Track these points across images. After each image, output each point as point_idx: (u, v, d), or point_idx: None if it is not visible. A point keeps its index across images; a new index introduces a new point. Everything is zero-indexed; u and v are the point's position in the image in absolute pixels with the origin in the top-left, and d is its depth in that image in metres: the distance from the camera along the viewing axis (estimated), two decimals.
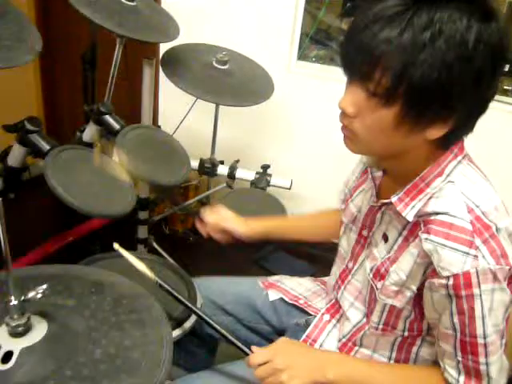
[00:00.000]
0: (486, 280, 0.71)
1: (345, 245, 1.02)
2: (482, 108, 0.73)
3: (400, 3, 0.66)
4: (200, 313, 0.94)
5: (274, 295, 1.14)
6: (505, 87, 2.06)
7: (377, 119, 0.72)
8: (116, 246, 0.83)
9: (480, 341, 0.74)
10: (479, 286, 0.71)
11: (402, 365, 0.92)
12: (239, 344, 0.89)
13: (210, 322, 0.93)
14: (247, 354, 0.88)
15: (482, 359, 0.75)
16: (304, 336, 1.02)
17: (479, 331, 0.74)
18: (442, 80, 0.65)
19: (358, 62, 0.70)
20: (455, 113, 0.70)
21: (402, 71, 0.66)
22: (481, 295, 0.72)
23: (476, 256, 0.71)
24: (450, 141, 0.77)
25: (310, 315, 1.08)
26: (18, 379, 0.56)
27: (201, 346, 1.20)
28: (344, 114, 0.76)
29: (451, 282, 0.72)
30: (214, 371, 1.01)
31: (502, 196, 0.79)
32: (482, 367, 0.76)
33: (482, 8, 0.67)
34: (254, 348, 0.88)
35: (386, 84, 0.68)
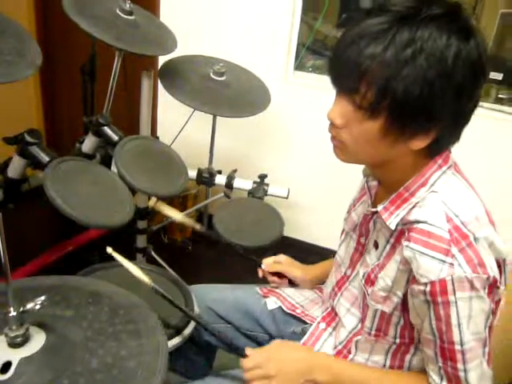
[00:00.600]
0: (462, 288, 0.73)
1: (342, 252, 1.04)
2: (464, 119, 0.76)
3: (384, 21, 0.69)
4: (192, 315, 0.97)
5: (272, 304, 1.16)
6: (499, 96, 2.08)
7: (363, 130, 0.75)
8: (109, 250, 0.83)
9: (457, 347, 0.76)
10: (454, 294, 0.73)
11: (393, 370, 0.93)
12: (232, 345, 0.94)
13: (205, 324, 0.96)
14: (241, 355, 0.91)
15: (460, 365, 0.77)
16: (300, 343, 1.03)
17: (456, 338, 0.76)
18: (424, 95, 0.68)
19: (345, 76, 0.73)
20: (438, 124, 0.73)
21: (386, 86, 0.69)
22: (456, 302, 0.74)
23: (452, 264, 0.73)
24: (435, 151, 0.79)
25: (307, 324, 1.09)
26: None
27: (199, 353, 1.22)
28: (332, 125, 0.79)
29: (428, 288, 0.74)
30: (211, 378, 1.02)
31: (500, 202, 0.81)
32: (461, 373, 0.78)
33: (462, 26, 0.70)
34: (247, 350, 0.91)
35: (371, 98, 0.71)
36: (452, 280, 0.72)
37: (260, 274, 1.21)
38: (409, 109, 0.70)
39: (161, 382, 0.62)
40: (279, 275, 1.21)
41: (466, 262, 0.73)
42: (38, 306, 0.63)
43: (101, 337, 0.67)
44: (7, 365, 0.59)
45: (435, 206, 0.77)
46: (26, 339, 0.62)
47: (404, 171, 0.81)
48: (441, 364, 0.79)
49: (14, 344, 0.61)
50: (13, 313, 0.60)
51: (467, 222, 0.75)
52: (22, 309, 0.61)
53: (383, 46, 0.68)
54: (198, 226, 0.95)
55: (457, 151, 0.85)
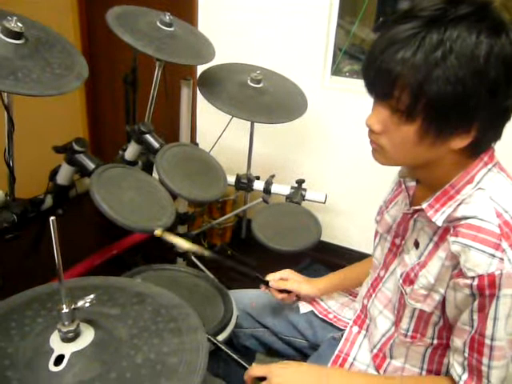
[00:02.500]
0: (509, 284, 0.73)
1: (378, 255, 1.04)
2: (503, 116, 0.76)
3: (413, 26, 0.70)
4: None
5: (304, 308, 1.17)
6: None
7: (401, 134, 0.76)
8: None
9: (487, 341, 0.76)
10: (501, 289, 0.73)
11: (408, 377, 0.94)
12: (236, 358, 0.95)
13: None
14: (246, 368, 0.93)
15: (485, 360, 0.77)
16: (337, 351, 1.04)
17: (488, 332, 0.75)
18: (458, 95, 0.69)
19: (378, 83, 0.75)
20: (476, 123, 0.73)
21: (419, 89, 0.70)
22: (500, 298, 0.73)
23: (502, 259, 0.72)
24: (477, 149, 0.79)
25: (342, 329, 1.10)
26: (69, 380, 0.61)
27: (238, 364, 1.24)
28: (371, 131, 0.80)
29: (476, 282, 0.74)
30: None
31: None
32: (484, 368, 0.77)
33: (492, 23, 0.69)
34: (254, 364, 0.93)
35: (406, 101, 0.72)
36: (501, 275, 0.72)
37: (262, 289, 1.18)
38: (444, 110, 0.70)
39: (201, 378, 0.65)
40: (287, 290, 1.18)
41: None
42: (87, 304, 0.67)
43: (144, 334, 0.71)
44: (60, 358, 0.64)
45: (483, 201, 0.77)
46: (76, 334, 0.66)
47: (448, 170, 0.81)
48: (466, 355, 0.79)
49: (66, 339, 0.65)
50: (65, 310, 0.64)
51: None
52: (73, 306, 0.65)
53: (413, 51, 0.69)
54: (206, 253, 0.96)
55: (498, 148, 0.84)
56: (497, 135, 0.79)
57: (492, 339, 0.76)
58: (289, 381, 0.87)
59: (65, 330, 0.65)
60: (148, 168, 1.73)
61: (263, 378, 0.89)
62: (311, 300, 1.19)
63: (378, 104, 0.78)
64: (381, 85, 0.74)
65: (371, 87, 0.78)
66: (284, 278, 1.17)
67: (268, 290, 1.17)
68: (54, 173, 1.47)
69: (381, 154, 0.82)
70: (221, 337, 1.05)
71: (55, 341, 0.66)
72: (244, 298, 1.21)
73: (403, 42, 0.70)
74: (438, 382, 0.87)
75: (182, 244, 0.86)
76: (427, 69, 0.68)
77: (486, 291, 0.74)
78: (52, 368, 0.63)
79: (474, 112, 0.71)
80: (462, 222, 0.77)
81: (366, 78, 0.78)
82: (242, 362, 0.95)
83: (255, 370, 0.92)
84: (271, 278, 1.16)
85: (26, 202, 1.38)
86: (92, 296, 0.68)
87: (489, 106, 0.71)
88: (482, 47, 0.68)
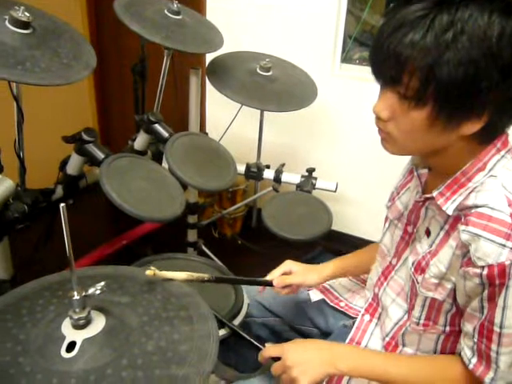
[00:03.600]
0: None
1: (387, 241, 1.03)
2: None
3: (422, 7, 0.68)
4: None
5: (315, 296, 1.17)
6: None
7: (410, 121, 0.75)
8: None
9: (496, 329, 0.75)
10: (510, 278, 0.72)
11: (420, 356, 0.93)
12: (250, 338, 0.96)
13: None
14: (259, 350, 0.93)
15: (493, 346, 0.76)
16: (348, 339, 1.03)
17: (497, 320, 0.75)
18: (469, 77, 0.67)
19: (387, 68, 0.73)
20: (487, 107, 0.71)
21: (429, 72, 0.68)
22: (510, 287, 0.72)
23: None
24: (488, 135, 0.77)
25: (354, 317, 1.09)
26: (81, 366, 0.62)
27: (250, 347, 1.24)
28: (379, 118, 0.79)
29: (485, 271, 0.73)
30: (262, 378, 1.03)
31: None
32: (493, 354, 0.77)
33: (503, 3, 0.67)
34: (267, 344, 0.94)
35: (415, 86, 0.70)
36: (511, 265, 0.71)
37: (260, 290, 1.16)
38: (455, 93, 0.68)
39: (212, 365, 0.65)
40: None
41: None
42: (98, 291, 0.67)
43: (155, 322, 0.71)
44: (72, 344, 0.64)
45: (495, 190, 0.76)
46: (88, 322, 0.66)
47: (459, 157, 0.80)
48: (476, 340, 0.79)
49: (77, 326, 0.65)
50: (76, 297, 0.65)
51: None
52: (84, 293, 0.66)
53: (422, 33, 0.67)
54: (206, 276, 0.96)
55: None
56: (509, 120, 0.77)
57: (501, 327, 0.75)
58: (303, 358, 0.87)
59: (76, 316, 0.65)
60: (157, 158, 1.73)
61: (278, 358, 0.89)
62: (322, 288, 1.18)
63: (385, 90, 0.76)
64: (389, 70, 0.72)
65: (379, 72, 0.76)
66: (286, 272, 1.13)
67: (263, 288, 1.15)
68: (64, 163, 1.47)
69: (390, 142, 0.81)
70: (226, 328, 1.05)
71: (67, 328, 0.66)
72: (254, 287, 1.20)
73: (412, 24, 0.68)
74: (450, 362, 0.86)
75: (178, 276, 0.85)
76: (438, 51, 0.66)
77: (495, 281, 0.73)
78: (64, 354, 0.63)
79: (486, 95, 0.69)
80: (473, 210, 0.76)
81: (374, 63, 0.76)
82: (256, 343, 0.96)
83: (270, 350, 0.92)
84: (272, 276, 1.13)
85: (36, 193, 1.39)
86: (102, 283, 0.68)
87: (501, 88, 0.69)
88: (494, 27, 0.66)
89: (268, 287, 1.15)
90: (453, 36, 0.66)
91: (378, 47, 0.73)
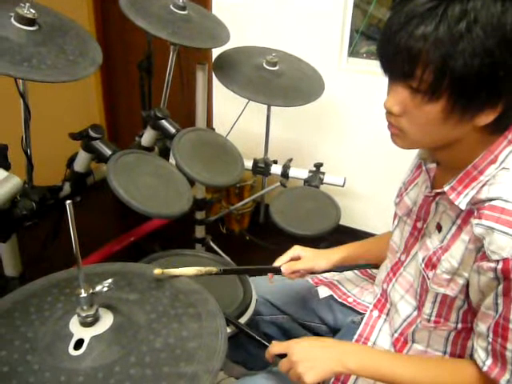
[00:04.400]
0: None
1: (397, 238, 1.02)
2: None
3: None
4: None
5: (323, 292, 1.16)
6: None
7: (423, 115, 0.73)
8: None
9: (511, 326, 0.73)
10: None
11: (429, 358, 0.91)
12: (256, 336, 0.96)
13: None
14: (266, 347, 0.92)
15: (509, 345, 0.74)
16: (356, 335, 1.02)
17: None
18: (485, 67, 0.65)
19: (398, 63, 0.71)
20: (503, 97, 0.69)
21: (443, 64, 0.66)
22: None
23: None
24: (501, 125, 0.75)
25: (363, 313, 1.08)
26: (89, 364, 0.62)
27: (258, 345, 1.24)
28: (390, 113, 0.77)
29: (500, 265, 0.71)
30: (268, 374, 1.02)
31: None
32: (508, 353, 0.75)
33: None
34: (273, 341, 0.92)
35: (429, 79, 0.68)
36: None
37: (270, 277, 1.16)
38: (471, 84, 0.67)
39: (220, 362, 0.64)
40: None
41: None
42: (105, 289, 0.67)
43: (163, 319, 0.70)
44: (80, 342, 0.64)
45: (508, 182, 0.74)
46: (95, 319, 0.66)
47: (470, 150, 0.78)
48: (490, 340, 0.77)
49: (85, 323, 0.65)
50: (83, 294, 0.64)
51: None
52: (91, 291, 0.65)
53: (434, 24, 0.65)
54: (214, 270, 0.95)
55: None
56: None
57: None
58: (309, 355, 0.86)
59: (84, 314, 0.65)
60: (165, 154, 1.72)
61: (284, 355, 0.89)
62: (330, 284, 1.17)
63: (395, 84, 0.75)
64: (400, 64, 0.71)
65: (389, 67, 0.74)
66: (295, 257, 1.13)
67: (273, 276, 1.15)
68: (72, 160, 1.47)
69: (401, 137, 0.79)
70: (241, 321, 1.04)
71: (75, 325, 0.66)
72: (262, 284, 1.20)
73: (423, 16, 0.66)
74: (460, 365, 0.85)
75: (187, 272, 0.85)
76: (451, 42, 0.65)
77: (510, 275, 0.71)
78: (72, 352, 0.63)
79: (503, 84, 0.68)
80: (486, 204, 0.74)
81: (383, 58, 0.74)
82: (263, 341, 0.95)
83: (275, 347, 0.91)
84: (281, 262, 1.12)
85: (44, 190, 1.39)
86: (110, 280, 0.68)
87: None
88: (508, 15, 0.64)
89: (283, 280, 1.14)
90: (466, 26, 0.64)
91: (387, 42, 0.71)
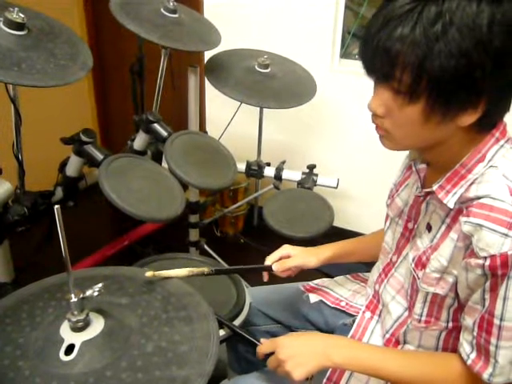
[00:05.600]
0: None
1: (389, 239, 1.02)
2: (511, 87, 0.72)
3: (409, 1, 0.67)
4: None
5: (314, 298, 1.16)
6: None
7: (405, 116, 0.74)
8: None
9: (496, 321, 0.74)
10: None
11: (418, 352, 0.92)
12: (247, 335, 0.96)
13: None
14: (256, 346, 0.93)
15: (493, 340, 0.75)
16: (348, 337, 1.02)
17: (497, 312, 0.73)
18: (462, 68, 0.65)
19: (378, 64, 0.71)
20: (483, 97, 0.70)
21: (420, 66, 0.67)
22: (511, 277, 0.71)
23: None
24: (486, 124, 0.76)
25: (354, 315, 1.08)
26: (80, 369, 0.62)
27: (252, 351, 1.23)
28: (375, 115, 0.78)
29: (488, 262, 0.72)
30: (260, 374, 1.03)
31: None
32: (492, 348, 0.75)
33: None
34: (262, 340, 0.93)
35: (408, 81, 0.69)
36: None
37: (265, 278, 1.15)
38: (449, 86, 0.67)
39: (213, 365, 0.64)
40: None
41: None
42: (96, 293, 0.67)
43: (155, 322, 0.70)
44: (71, 347, 0.64)
45: (496, 180, 0.75)
46: (86, 324, 0.66)
47: (457, 149, 0.79)
48: (475, 334, 0.78)
49: (76, 328, 0.65)
50: (74, 299, 0.64)
51: None
52: (81, 295, 0.65)
53: (411, 26, 0.66)
54: (206, 270, 0.96)
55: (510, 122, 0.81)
56: (506, 108, 0.76)
57: (501, 319, 0.74)
58: (295, 351, 0.86)
59: (74, 319, 0.65)
60: (157, 157, 1.72)
61: (273, 353, 0.89)
62: (321, 292, 1.17)
63: (379, 86, 0.75)
64: (380, 65, 0.71)
65: (370, 69, 0.75)
66: (284, 256, 1.12)
67: (267, 275, 1.15)
68: (64, 165, 1.47)
69: (388, 138, 0.80)
70: (235, 323, 1.04)
71: (65, 330, 0.66)
72: (253, 294, 1.20)
73: (400, 18, 0.67)
74: (448, 358, 0.85)
75: (178, 273, 0.85)
76: (428, 44, 0.65)
77: (498, 271, 0.72)
78: (63, 357, 0.63)
79: (481, 85, 0.68)
80: (475, 202, 0.75)
81: (364, 60, 0.75)
82: (253, 340, 0.95)
83: (263, 346, 0.92)
84: (271, 260, 1.12)
85: (36, 195, 1.38)
86: (100, 285, 0.67)
87: (496, 77, 0.68)
88: (483, 16, 0.65)
89: (275, 289, 1.17)
90: (442, 27, 0.65)
91: (367, 43, 0.72)
